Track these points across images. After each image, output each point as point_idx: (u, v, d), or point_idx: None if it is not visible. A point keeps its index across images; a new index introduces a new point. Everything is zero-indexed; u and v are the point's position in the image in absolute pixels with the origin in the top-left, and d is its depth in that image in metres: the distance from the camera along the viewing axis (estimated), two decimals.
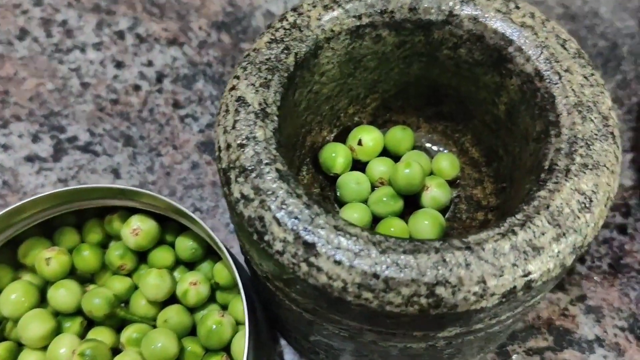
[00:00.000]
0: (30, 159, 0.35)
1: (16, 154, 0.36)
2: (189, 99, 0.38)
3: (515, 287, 0.19)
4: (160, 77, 0.38)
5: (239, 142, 0.22)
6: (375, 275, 0.19)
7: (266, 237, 0.20)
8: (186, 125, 0.37)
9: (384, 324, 0.20)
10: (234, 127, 0.22)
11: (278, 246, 0.20)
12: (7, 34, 0.40)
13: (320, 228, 0.20)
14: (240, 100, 0.23)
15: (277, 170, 0.21)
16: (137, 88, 0.38)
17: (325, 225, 0.20)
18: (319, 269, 0.19)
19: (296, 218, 0.20)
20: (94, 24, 0.41)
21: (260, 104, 0.22)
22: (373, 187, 0.28)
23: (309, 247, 0.19)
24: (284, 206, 0.20)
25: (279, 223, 0.20)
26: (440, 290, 0.19)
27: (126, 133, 0.36)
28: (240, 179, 0.21)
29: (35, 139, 0.36)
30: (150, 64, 0.39)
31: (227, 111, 0.23)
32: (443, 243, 0.20)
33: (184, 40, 0.40)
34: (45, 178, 0.35)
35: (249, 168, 0.21)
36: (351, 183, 0.28)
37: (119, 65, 0.39)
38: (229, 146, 0.22)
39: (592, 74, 0.23)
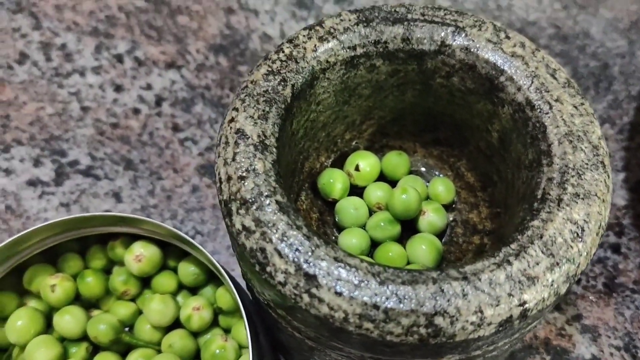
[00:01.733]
0: (32, 183, 0.36)
1: (18, 179, 0.36)
2: (188, 122, 0.38)
3: (511, 316, 0.20)
4: (159, 101, 0.39)
5: (239, 174, 0.22)
6: (376, 306, 0.19)
7: (268, 269, 0.21)
8: (186, 148, 0.37)
9: (384, 352, 0.21)
10: (234, 159, 0.23)
11: (280, 277, 0.20)
12: (6, 58, 0.41)
13: (321, 260, 0.20)
14: (240, 132, 0.23)
15: (277, 202, 0.21)
16: (136, 112, 0.39)
17: (326, 257, 0.20)
18: (321, 300, 0.20)
19: (297, 250, 0.20)
20: (93, 47, 0.41)
21: (259, 136, 0.23)
22: (371, 212, 0.29)
23: (310, 278, 0.20)
24: (285, 238, 0.21)
25: (280, 255, 0.21)
26: (439, 320, 0.19)
27: (127, 157, 0.37)
28: (242, 211, 0.22)
29: (37, 163, 0.37)
30: (149, 87, 0.40)
31: (226, 143, 0.23)
32: (440, 273, 0.20)
33: (182, 64, 0.41)
34: (48, 202, 0.35)
35: (250, 200, 0.22)
36: (349, 208, 0.28)
37: (118, 88, 0.40)
38: (229, 178, 0.22)
39: (582, 104, 0.24)
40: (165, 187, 0.36)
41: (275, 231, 0.21)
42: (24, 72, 0.40)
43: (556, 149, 0.23)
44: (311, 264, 0.20)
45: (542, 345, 0.31)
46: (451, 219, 0.29)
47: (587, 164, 0.22)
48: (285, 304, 0.21)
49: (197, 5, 0.43)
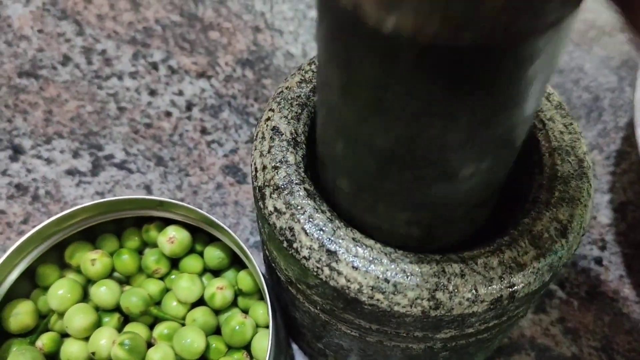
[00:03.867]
0: (70, 172, 0.39)
1: (58, 168, 0.39)
2: (215, 127, 0.42)
3: (501, 296, 0.23)
4: (189, 106, 0.43)
5: (273, 164, 0.26)
6: (386, 280, 0.23)
7: (295, 245, 0.24)
8: (212, 150, 0.41)
9: (390, 323, 0.24)
10: (269, 152, 0.26)
11: (305, 252, 0.24)
12: (51, 59, 0.44)
13: (341, 239, 0.24)
14: (275, 129, 0.27)
15: (306, 189, 0.25)
16: (168, 114, 0.42)
17: (345, 237, 0.24)
18: (339, 273, 0.23)
19: (321, 230, 0.24)
20: (130, 54, 0.45)
21: (291, 134, 0.27)
22: None
23: (332, 254, 0.23)
24: (311, 219, 0.24)
25: (306, 233, 0.24)
26: (439, 295, 0.23)
27: (158, 154, 0.40)
28: (274, 196, 0.25)
29: (76, 155, 0.40)
30: (180, 93, 0.43)
31: (263, 138, 0.27)
32: (442, 257, 0.24)
33: (211, 74, 0.44)
34: (84, 190, 0.39)
35: (282, 186, 0.25)
36: None
37: (153, 93, 0.43)
38: (264, 167, 0.26)
39: (571, 124, 0.27)
40: (192, 183, 0.39)
41: (303, 213, 0.24)
42: (66, 73, 0.44)
43: (547, 160, 0.26)
44: (333, 242, 0.24)
45: (527, 342, 0.34)
46: None
47: (572, 174, 0.26)
48: (308, 277, 0.25)
49: (227, 23, 0.47)
